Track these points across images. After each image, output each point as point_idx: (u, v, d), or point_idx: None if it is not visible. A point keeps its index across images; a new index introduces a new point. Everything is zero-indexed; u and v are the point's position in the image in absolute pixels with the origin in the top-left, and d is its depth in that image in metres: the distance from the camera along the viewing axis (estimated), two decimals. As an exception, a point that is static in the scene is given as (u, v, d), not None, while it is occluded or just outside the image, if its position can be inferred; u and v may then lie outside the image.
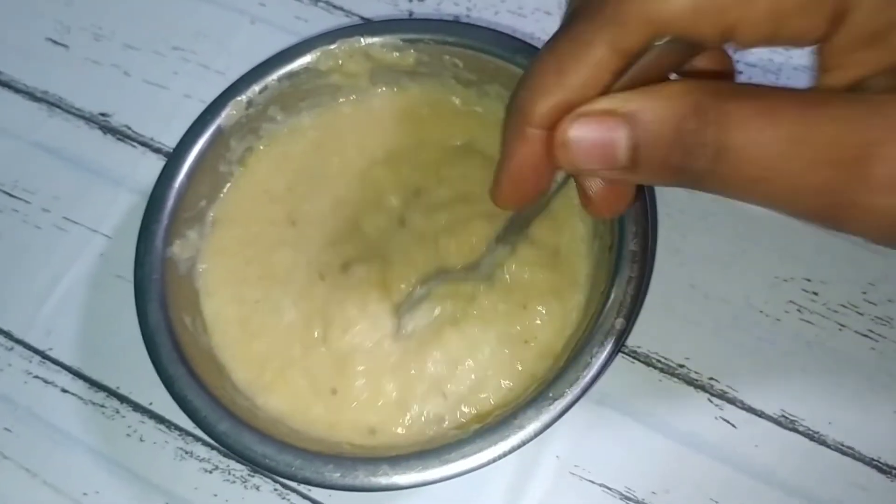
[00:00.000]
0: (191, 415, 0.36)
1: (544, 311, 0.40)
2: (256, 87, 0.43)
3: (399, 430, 0.39)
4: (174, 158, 0.42)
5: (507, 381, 0.39)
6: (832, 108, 0.23)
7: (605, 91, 0.26)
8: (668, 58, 0.26)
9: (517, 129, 0.27)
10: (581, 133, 0.25)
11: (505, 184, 0.29)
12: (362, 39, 0.44)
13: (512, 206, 0.31)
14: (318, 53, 0.44)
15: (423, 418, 0.39)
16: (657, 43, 0.25)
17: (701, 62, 0.29)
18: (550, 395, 0.35)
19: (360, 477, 0.35)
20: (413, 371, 0.40)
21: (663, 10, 0.24)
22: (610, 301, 0.37)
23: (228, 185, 0.44)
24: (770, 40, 0.24)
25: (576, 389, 0.35)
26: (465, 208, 0.42)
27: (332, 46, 0.44)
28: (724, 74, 0.29)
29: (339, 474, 0.35)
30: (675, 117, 0.24)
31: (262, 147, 0.45)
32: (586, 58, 0.25)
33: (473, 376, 0.39)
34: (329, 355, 0.40)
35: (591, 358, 0.36)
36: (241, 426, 0.36)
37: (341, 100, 0.46)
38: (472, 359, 0.40)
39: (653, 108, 0.24)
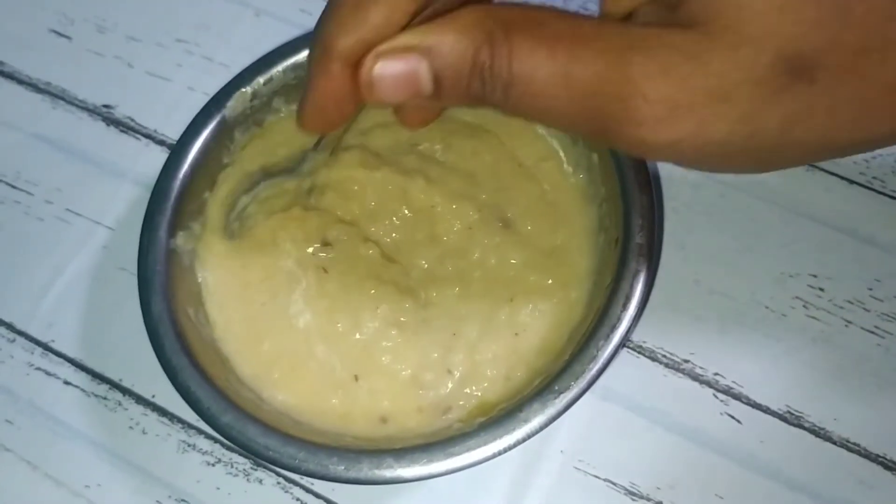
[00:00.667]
0: (194, 406, 0.36)
1: (530, 308, 0.40)
2: (261, 79, 0.43)
3: (410, 415, 0.39)
4: (178, 150, 0.41)
5: (505, 370, 0.39)
6: (600, 42, 0.25)
7: (406, 25, 0.27)
8: None
9: (322, 64, 0.28)
10: (384, 70, 0.26)
11: (310, 113, 0.29)
12: (367, 31, 0.44)
13: (318, 131, 0.33)
14: (323, 45, 0.44)
15: (431, 396, 0.39)
16: None
17: None
18: (556, 388, 0.35)
19: (365, 470, 0.34)
20: (421, 343, 0.40)
21: None
22: (616, 294, 0.37)
23: (224, 173, 0.44)
24: None
25: (581, 383, 0.35)
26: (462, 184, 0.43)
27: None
28: None
29: (343, 467, 0.34)
30: (471, 49, 0.25)
31: (257, 136, 0.45)
32: (380, 3, 0.26)
33: (476, 357, 0.40)
34: (354, 344, 0.40)
35: (597, 351, 0.36)
36: (245, 418, 0.36)
37: None
38: (467, 336, 0.40)
39: (449, 42, 0.26)
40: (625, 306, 0.36)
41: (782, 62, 0.23)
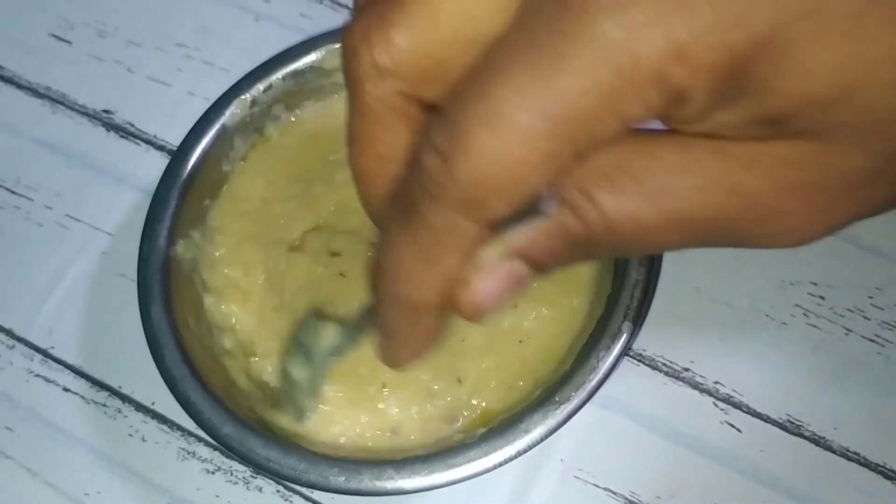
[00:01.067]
0: (194, 417, 0.36)
1: (534, 316, 0.40)
2: (261, 86, 0.43)
3: (418, 425, 0.39)
4: (178, 157, 0.41)
5: (509, 379, 0.39)
6: (701, 173, 0.22)
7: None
8: None
9: (407, 318, 0.25)
10: (485, 291, 0.24)
11: (404, 355, 0.27)
12: (368, 38, 0.44)
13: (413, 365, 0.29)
14: (324, 52, 0.44)
15: (441, 406, 0.39)
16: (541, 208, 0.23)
17: None
18: (557, 399, 0.35)
19: (365, 481, 0.34)
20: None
21: (518, 171, 0.21)
22: (617, 304, 0.37)
23: (227, 184, 0.44)
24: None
25: (582, 393, 0.35)
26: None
27: (338, 45, 0.44)
28: None
29: (343, 478, 0.34)
30: (557, 229, 0.23)
31: (260, 144, 0.45)
32: (455, 242, 0.23)
33: (482, 365, 0.39)
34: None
35: (598, 362, 0.35)
36: (246, 429, 0.35)
37: (345, 93, 0.45)
38: (474, 342, 0.40)
39: (534, 232, 0.23)
40: (625, 316, 0.36)
41: None
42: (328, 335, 0.37)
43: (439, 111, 0.22)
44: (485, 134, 0.20)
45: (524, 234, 0.23)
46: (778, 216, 0.22)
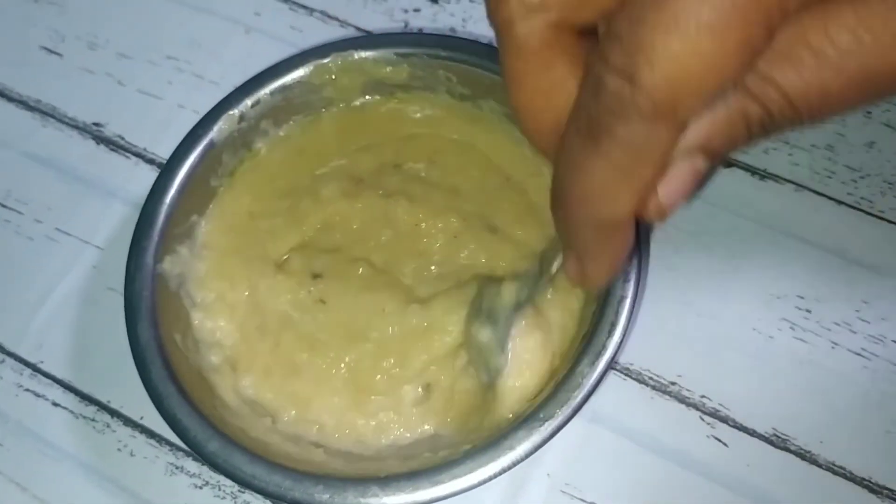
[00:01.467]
0: (181, 434, 0.36)
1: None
2: (249, 101, 0.43)
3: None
4: (165, 173, 0.42)
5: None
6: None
7: None
8: None
9: (603, 235, 0.26)
10: (673, 192, 0.24)
11: (603, 272, 0.27)
12: (356, 53, 0.44)
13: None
14: (312, 67, 0.44)
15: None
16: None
17: None
18: (541, 415, 0.35)
19: (350, 498, 0.34)
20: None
21: (713, 65, 0.21)
22: (601, 321, 0.37)
23: (215, 199, 0.44)
24: None
25: (567, 410, 0.35)
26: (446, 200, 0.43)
27: (326, 60, 0.44)
28: None
29: (328, 495, 0.34)
30: (740, 117, 0.23)
31: (248, 159, 0.45)
32: (652, 152, 0.23)
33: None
34: (367, 354, 0.41)
35: (582, 378, 0.36)
36: (231, 446, 0.36)
37: (332, 108, 0.46)
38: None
39: (715, 125, 0.23)
40: (610, 333, 0.36)
41: None
42: (510, 293, 0.38)
43: (603, 34, 0.22)
44: (671, 40, 0.20)
45: (705, 129, 0.23)
46: None
